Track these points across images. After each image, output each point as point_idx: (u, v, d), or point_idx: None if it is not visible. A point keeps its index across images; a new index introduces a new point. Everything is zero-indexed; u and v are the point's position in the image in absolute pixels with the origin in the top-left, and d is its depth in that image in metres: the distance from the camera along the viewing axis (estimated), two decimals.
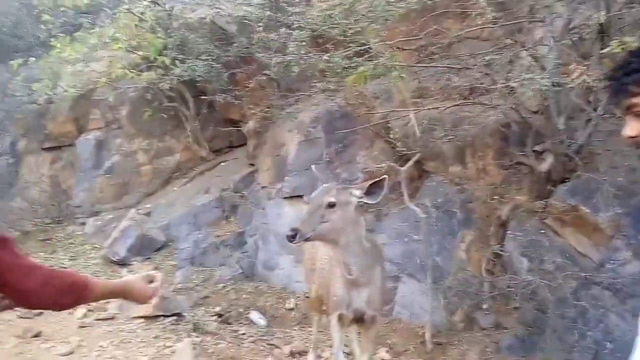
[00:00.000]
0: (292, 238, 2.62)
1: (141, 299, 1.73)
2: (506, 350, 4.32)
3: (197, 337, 4.44)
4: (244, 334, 4.83)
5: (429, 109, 5.43)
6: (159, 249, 6.88)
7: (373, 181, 2.83)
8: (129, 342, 4.18)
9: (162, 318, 4.76)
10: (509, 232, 4.81)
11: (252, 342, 4.63)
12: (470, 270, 4.79)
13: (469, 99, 5.48)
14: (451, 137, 5.23)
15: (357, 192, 2.83)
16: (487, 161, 5.28)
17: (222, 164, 7.95)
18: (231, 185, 7.23)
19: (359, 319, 3.09)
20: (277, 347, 4.57)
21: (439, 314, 4.65)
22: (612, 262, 4.18)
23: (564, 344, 4.09)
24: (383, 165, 5.54)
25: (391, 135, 5.60)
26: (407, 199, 5.09)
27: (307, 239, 2.71)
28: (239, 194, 7.10)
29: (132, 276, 1.78)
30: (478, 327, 4.61)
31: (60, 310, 1.59)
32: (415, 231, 5.15)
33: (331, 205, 2.72)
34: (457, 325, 4.64)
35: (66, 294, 1.44)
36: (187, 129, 8.05)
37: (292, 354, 4.38)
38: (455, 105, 5.43)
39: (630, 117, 1.09)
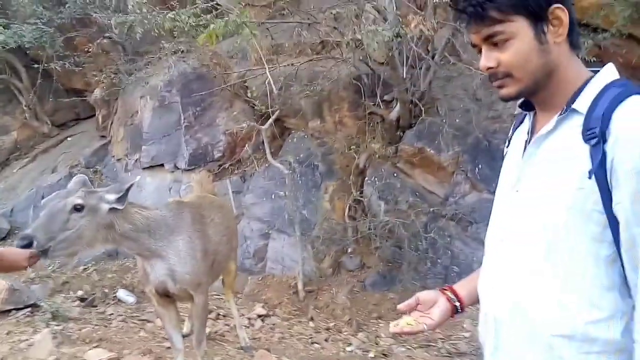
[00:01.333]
0: (27, 247, 2.04)
1: (17, 264, 1.76)
2: (370, 287, 4.68)
3: (57, 325, 4.09)
4: (111, 314, 4.57)
5: (284, 65, 5.45)
6: (3, 238, 6.15)
7: (129, 186, 2.42)
8: None
9: (14, 312, 4.31)
10: (366, 178, 5.11)
11: (122, 321, 4.41)
12: (335, 218, 5.03)
13: (322, 54, 5.60)
14: (308, 92, 5.34)
15: (111, 197, 2.38)
16: (343, 113, 5.50)
17: (69, 138, 7.26)
18: (82, 160, 6.65)
19: (167, 294, 2.80)
20: (149, 321, 4.41)
21: (309, 264, 4.84)
22: (454, 195, 4.67)
23: (419, 274, 4.53)
24: (244, 125, 5.51)
25: (249, 95, 5.54)
26: (270, 157, 5.13)
27: (44, 252, 2.13)
28: (91, 169, 6.56)
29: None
30: (345, 270, 4.90)
31: None
32: (281, 188, 5.23)
33: (77, 209, 2.26)
34: (326, 272, 4.87)
35: None
36: (22, 103, 7.17)
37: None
38: (309, 61, 5.53)
39: (488, 47, 1.00)
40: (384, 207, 4.79)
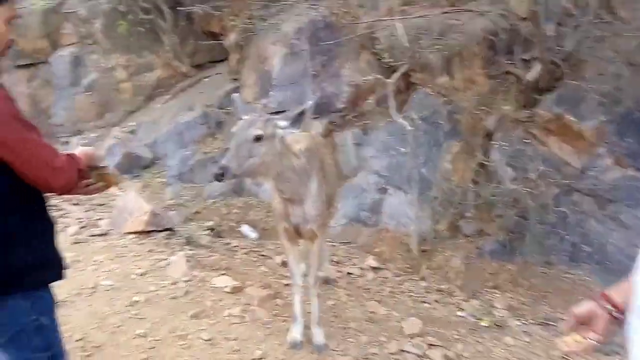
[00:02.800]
0: (220, 177, 2.40)
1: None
2: (488, 255, 4.54)
3: (190, 250, 4.54)
4: (236, 246, 4.95)
5: (416, 17, 5.26)
6: (146, 167, 6.86)
7: (299, 111, 2.62)
8: (124, 256, 4.26)
9: (154, 233, 4.83)
10: (494, 142, 4.87)
11: (245, 254, 4.77)
12: (455, 180, 4.90)
13: (457, 6, 5.30)
14: (438, 46, 5.12)
15: (283, 123, 2.61)
16: (474, 71, 5.22)
17: (205, 79, 7.73)
18: (215, 101, 7.09)
19: (299, 232, 3.07)
20: (269, 257, 4.73)
21: (425, 223, 4.81)
22: (593, 169, 4.29)
23: (542, 247, 4.30)
24: (369, 77, 5.46)
25: (377, 47, 5.46)
26: (394, 112, 5.06)
27: (235, 176, 2.53)
28: (223, 110, 6.99)
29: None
30: (461, 234, 4.80)
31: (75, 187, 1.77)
32: (401, 144, 5.18)
33: (258, 139, 2.51)
34: (441, 233, 4.81)
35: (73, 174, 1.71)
36: (165, 44, 7.73)
37: (283, 263, 4.54)
38: (443, 13, 5.27)
39: None
40: (511, 174, 4.55)
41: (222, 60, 7.75)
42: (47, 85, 8.13)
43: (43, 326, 1.74)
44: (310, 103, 2.90)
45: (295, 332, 3.14)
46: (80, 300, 3.49)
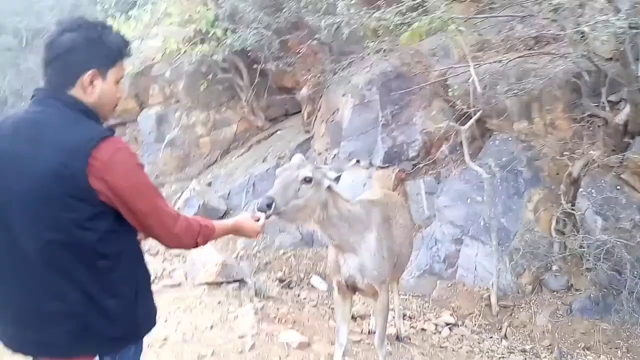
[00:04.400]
0: (267, 207, 2.26)
1: (251, 233, 2.01)
2: (578, 312, 4.10)
3: (259, 301, 4.50)
4: (305, 298, 4.86)
5: (490, 62, 5.12)
6: (220, 217, 7.04)
7: (348, 165, 2.71)
8: (195, 307, 4.30)
9: (225, 284, 4.87)
10: (581, 189, 4.50)
11: (314, 306, 4.66)
12: (539, 230, 4.55)
13: (535, 49, 5.11)
14: (516, 91, 4.91)
15: (332, 175, 2.57)
16: (556, 115, 4.94)
17: (278, 132, 7.96)
18: (288, 152, 7.23)
19: (355, 287, 2.91)
20: None
21: (505, 277, 4.47)
22: None
23: None
24: (442, 125, 5.33)
25: (450, 94, 5.35)
26: (469, 159, 4.87)
27: (277, 213, 2.34)
28: None
29: (239, 216, 2.04)
30: (547, 289, 4.40)
31: (191, 249, 1.78)
32: (477, 192, 4.94)
33: (307, 181, 2.46)
34: (524, 288, 4.44)
35: (200, 235, 1.69)
36: (242, 99, 8.09)
37: (353, 317, 4.37)
38: (519, 57, 5.09)
39: None
40: (602, 223, 4.16)
41: (294, 114, 7.98)
42: (134, 142, 8.72)
43: None
44: (353, 161, 2.99)
45: None
46: (151, 352, 3.50)
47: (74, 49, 1.50)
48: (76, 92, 1.53)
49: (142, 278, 1.66)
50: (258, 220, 2.07)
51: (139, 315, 1.62)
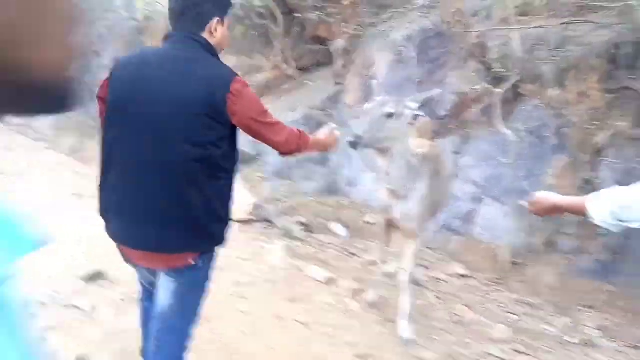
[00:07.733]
0: (355, 145, 2.78)
1: (329, 146, 2.36)
2: (586, 273, 4.31)
3: (286, 241, 4.80)
4: (328, 242, 5.14)
5: (533, 27, 5.13)
6: (248, 162, 7.27)
7: (428, 95, 3.03)
8: (230, 242, 4.61)
9: (256, 223, 5.17)
10: (604, 159, 4.62)
11: (336, 250, 4.94)
12: None
13: (579, 17, 5.10)
14: (555, 58, 4.96)
15: (413, 105, 2.93)
16: (590, 85, 4.97)
17: (310, 82, 8.05)
18: (317, 103, 7.36)
19: (398, 228, 3.32)
20: (358, 256, 4.86)
21: (519, 236, 4.67)
22: None
23: None
24: (477, 86, 5.41)
25: (488, 56, 5.39)
26: (500, 122, 4.98)
27: (366, 146, 2.88)
28: (324, 113, 7.23)
29: (319, 133, 2.36)
30: (559, 250, 4.60)
31: (295, 153, 2.14)
32: (502, 155, 5.07)
33: (389, 116, 2.86)
34: (537, 248, 4.64)
35: (299, 143, 2.10)
36: (276, 47, 8.15)
37: (372, 262, 4.65)
38: (563, 24, 5.09)
39: None
40: None
41: (325, 65, 8.03)
42: None
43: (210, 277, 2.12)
44: (438, 91, 3.36)
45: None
46: None
47: (206, 1, 1.93)
48: (205, 35, 1.95)
49: (233, 190, 2.05)
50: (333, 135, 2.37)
51: (229, 220, 2.04)
